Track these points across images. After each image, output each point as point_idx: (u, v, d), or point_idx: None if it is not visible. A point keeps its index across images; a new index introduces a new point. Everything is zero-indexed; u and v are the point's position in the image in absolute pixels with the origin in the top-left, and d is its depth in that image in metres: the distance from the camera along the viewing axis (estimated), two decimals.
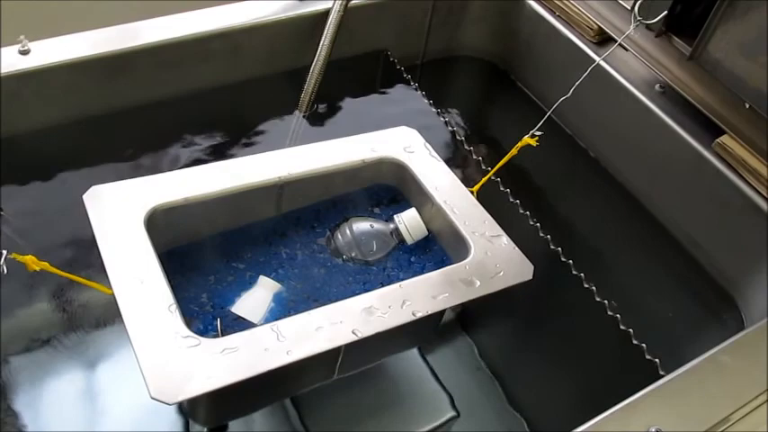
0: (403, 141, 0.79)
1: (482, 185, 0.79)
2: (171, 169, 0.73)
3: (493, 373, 0.94)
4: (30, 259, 0.58)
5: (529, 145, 0.77)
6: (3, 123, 0.90)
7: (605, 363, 0.89)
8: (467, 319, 1.00)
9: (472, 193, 0.76)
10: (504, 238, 0.72)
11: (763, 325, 0.74)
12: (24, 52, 0.89)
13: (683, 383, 0.67)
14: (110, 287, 0.59)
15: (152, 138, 1.02)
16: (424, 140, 0.80)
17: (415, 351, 0.88)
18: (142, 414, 0.82)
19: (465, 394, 0.90)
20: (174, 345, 0.56)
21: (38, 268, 0.58)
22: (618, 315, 0.84)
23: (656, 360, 0.80)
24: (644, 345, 0.82)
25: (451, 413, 0.83)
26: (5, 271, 0.55)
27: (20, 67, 0.88)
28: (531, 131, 0.76)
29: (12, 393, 0.79)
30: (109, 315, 0.86)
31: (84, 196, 0.65)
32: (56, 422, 0.79)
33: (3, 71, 0.87)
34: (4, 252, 0.55)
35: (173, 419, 0.82)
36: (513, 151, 0.78)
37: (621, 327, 0.83)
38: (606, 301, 0.85)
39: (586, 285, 0.87)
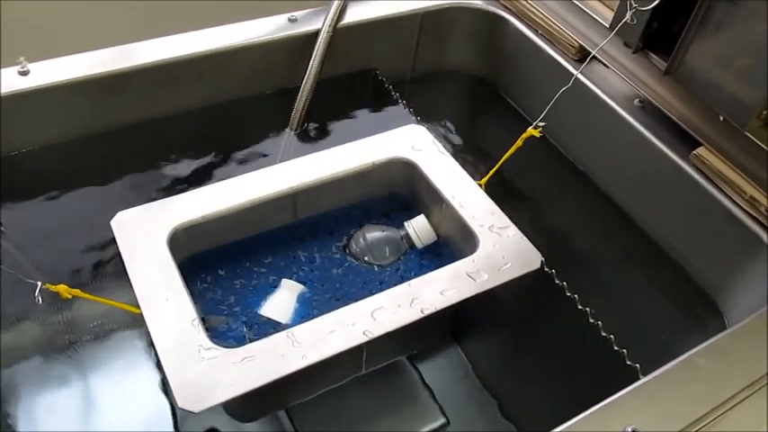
0: (411, 140, 0.82)
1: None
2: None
3: (481, 381, 0.96)
4: (63, 288, 0.61)
5: (517, 157, 0.80)
6: (3, 142, 0.93)
7: (589, 369, 0.91)
8: (455, 327, 1.01)
9: (480, 185, 0.78)
10: (512, 229, 0.74)
11: (738, 328, 0.76)
12: (24, 73, 0.92)
13: (660, 384, 0.69)
14: (137, 306, 0.62)
15: (148, 155, 1.04)
16: (432, 136, 0.82)
17: (404, 360, 0.89)
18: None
19: (454, 402, 0.91)
20: (197, 357, 0.60)
21: (70, 296, 0.62)
22: (599, 322, 0.86)
23: (637, 365, 0.82)
24: (624, 350, 0.83)
25: (442, 420, 0.84)
26: (41, 301, 0.58)
27: (19, 87, 0.91)
28: (534, 123, 0.78)
29: (9, 402, 0.81)
30: (105, 325, 0.88)
31: (112, 222, 0.69)
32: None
33: (3, 91, 0.89)
34: (39, 283, 0.58)
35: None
36: (518, 142, 0.80)
37: (603, 333, 0.85)
38: (588, 309, 0.87)
39: (569, 294, 0.89)
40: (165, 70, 1.00)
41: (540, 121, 0.80)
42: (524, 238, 0.73)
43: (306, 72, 1.06)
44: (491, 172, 0.82)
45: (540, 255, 0.71)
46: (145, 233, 0.69)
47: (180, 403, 0.56)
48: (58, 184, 0.98)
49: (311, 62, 1.05)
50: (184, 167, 1.04)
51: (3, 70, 0.91)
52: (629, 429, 0.63)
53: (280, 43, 1.08)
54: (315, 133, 1.10)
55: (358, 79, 1.19)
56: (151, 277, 0.65)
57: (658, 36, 0.92)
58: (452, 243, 0.79)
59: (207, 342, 0.61)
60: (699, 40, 0.86)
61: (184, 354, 0.60)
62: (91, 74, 0.95)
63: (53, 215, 0.96)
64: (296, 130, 1.08)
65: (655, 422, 0.65)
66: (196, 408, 0.56)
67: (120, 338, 0.88)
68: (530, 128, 0.80)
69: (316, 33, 1.07)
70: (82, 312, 0.88)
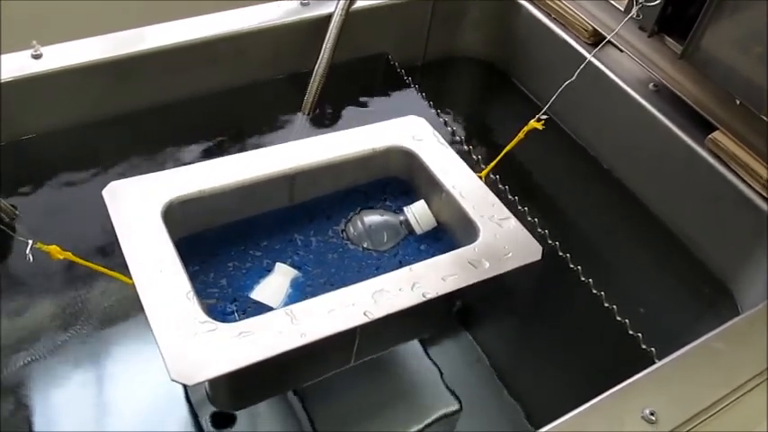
0: (411, 130, 0.81)
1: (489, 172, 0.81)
2: None
3: (493, 367, 0.96)
4: (54, 249, 0.60)
5: (528, 143, 0.79)
6: (16, 125, 0.93)
7: (603, 354, 0.91)
8: (466, 314, 1.01)
9: (480, 177, 0.78)
10: (513, 221, 0.73)
11: (754, 312, 0.76)
12: (37, 56, 0.92)
13: (677, 368, 0.69)
14: (129, 277, 0.61)
15: (160, 140, 1.04)
16: (432, 128, 0.82)
17: (417, 346, 0.89)
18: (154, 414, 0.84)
19: (465, 388, 0.91)
20: (192, 330, 0.58)
21: (62, 257, 0.60)
22: (614, 306, 0.86)
23: (652, 349, 0.82)
24: (640, 335, 0.83)
25: (455, 406, 0.84)
26: (32, 259, 0.57)
27: (33, 70, 0.91)
28: (536, 116, 0.78)
29: (19, 393, 0.81)
30: (120, 310, 0.88)
31: (104, 192, 0.67)
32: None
33: (16, 74, 0.90)
34: (30, 242, 0.57)
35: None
36: (521, 135, 0.79)
37: (618, 318, 0.85)
38: (602, 293, 0.87)
39: (583, 278, 0.89)
40: (177, 54, 1.00)
41: (542, 114, 0.79)
42: (524, 229, 0.72)
43: (318, 56, 1.05)
44: (491, 165, 0.81)
45: (540, 247, 0.70)
46: (138, 204, 0.67)
47: (173, 375, 0.54)
48: (71, 168, 0.98)
49: (324, 46, 1.05)
50: (196, 152, 1.04)
51: (16, 54, 0.91)
52: (647, 412, 0.63)
53: (291, 27, 1.08)
54: (327, 118, 1.10)
55: (370, 64, 1.19)
56: (144, 249, 0.63)
57: (674, 19, 0.92)
58: (452, 231, 0.77)
59: (202, 315, 0.59)
60: (715, 23, 0.85)
61: (178, 326, 0.58)
62: (104, 57, 0.95)
63: (66, 199, 0.96)
64: (308, 114, 1.08)
65: (672, 405, 0.65)
66: (189, 381, 0.54)
67: (133, 321, 0.88)
68: (532, 121, 0.79)
69: (327, 17, 1.07)
70: (96, 294, 0.88)
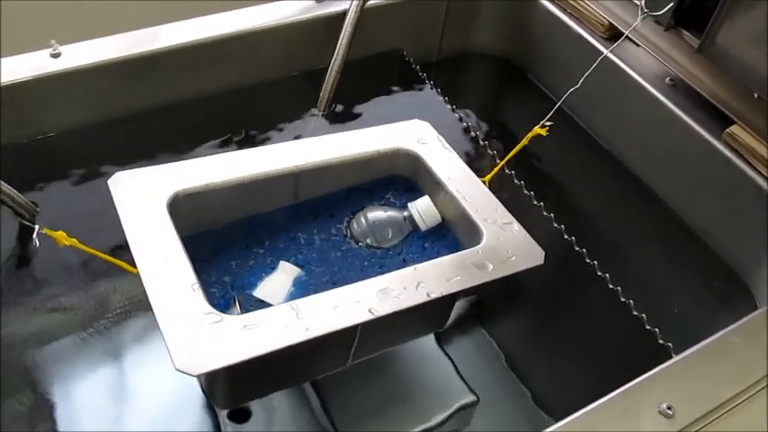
0: (416, 133, 0.81)
1: (495, 176, 0.81)
2: None
3: (508, 362, 0.96)
4: (60, 235, 0.60)
5: (544, 138, 0.79)
6: (34, 124, 0.94)
7: (620, 350, 0.91)
8: (483, 310, 1.01)
9: (484, 182, 0.78)
10: (516, 225, 0.73)
11: None
12: (55, 55, 0.93)
13: (694, 363, 0.69)
14: (134, 266, 0.60)
15: (174, 137, 1.05)
16: (436, 133, 0.82)
17: (433, 341, 0.89)
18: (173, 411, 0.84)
19: (481, 382, 0.91)
20: (197, 321, 0.57)
21: (68, 243, 0.61)
22: (631, 301, 0.86)
23: (669, 344, 0.82)
24: (657, 329, 0.83)
25: (471, 397, 0.84)
26: (38, 244, 0.58)
27: (51, 69, 0.92)
28: (541, 122, 0.78)
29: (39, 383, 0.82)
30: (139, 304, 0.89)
31: (109, 181, 0.67)
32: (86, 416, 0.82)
33: (35, 73, 0.91)
34: (36, 227, 0.58)
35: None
36: (524, 141, 0.80)
37: (635, 313, 0.85)
38: (619, 288, 0.87)
39: (600, 273, 0.89)
40: (192, 52, 1.01)
41: (547, 119, 0.79)
42: (527, 235, 0.72)
43: (333, 53, 1.06)
44: (495, 170, 0.82)
45: (542, 252, 0.70)
46: (144, 195, 0.66)
47: (177, 365, 0.54)
48: (89, 165, 0.99)
49: (339, 42, 1.05)
50: (211, 150, 1.04)
51: (35, 53, 0.92)
52: (664, 406, 0.64)
53: (306, 25, 1.08)
54: (342, 114, 1.11)
55: (385, 60, 1.19)
56: (149, 239, 0.62)
57: (691, 13, 0.91)
58: (455, 232, 0.78)
59: (207, 307, 0.59)
60: (732, 16, 0.85)
61: (183, 317, 0.57)
62: (119, 56, 0.96)
63: (84, 196, 0.97)
64: (324, 111, 1.08)
65: (689, 400, 0.65)
66: (193, 371, 0.54)
67: (150, 316, 0.89)
68: (536, 127, 0.79)
69: (342, 15, 1.07)
70: (115, 289, 0.89)
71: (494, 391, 0.94)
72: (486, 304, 1.01)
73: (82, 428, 0.79)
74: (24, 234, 0.85)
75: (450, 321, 0.95)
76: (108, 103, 0.99)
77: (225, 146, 1.05)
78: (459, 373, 0.86)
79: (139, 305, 0.89)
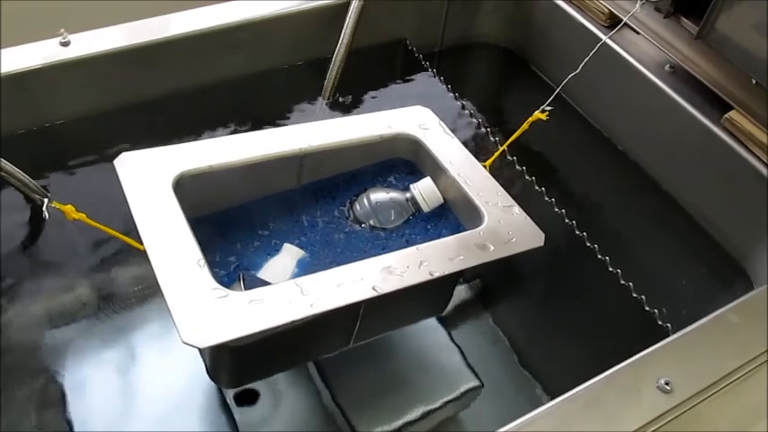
0: (418, 119, 0.82)
1: (496, 162, 0.82)
2: None
3: (511, 345, 0.97)
4: (69, 209, 0.61)
5: (544, 125, 0.80)
6: (45, 111, 0.95)
7: (620, 330, 0.92)
8: (486, 294, 1.03)
9: (485, 167, 0.79)
10: (516, 208, 0.74)
11: None
12: (65, 44, 0.94)
13: (692, 340, 0.70)
14: (141, 243, 0.61)
15: (183, 125, 1.06)
16: (438, 118, 0.83)
17: (438, 325, 0.90)
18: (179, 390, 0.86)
19: (485, 365, 0.92)
20: (203, 295, 0.58)
21: (76, 217, 0.62)
22: (630, 284, 0.87)
23: (668, 325, 0.83)
24: (656, 311, 0.85)
25: (476, 382, 0.85)
26: (48, 216, 0.59)
27: (61, 57, 0.93)
28: (541, 107, 0.79)
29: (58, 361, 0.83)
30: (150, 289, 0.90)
31: (115, 161, 0.67)
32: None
33: (45, 62, 0.92)
34: (46, 200, 0.59)
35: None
36: (525, 126, 0.81)
37: (634, 295, 0.87)
38: (619, 271, 0.88)
39: (600, 257, 0.90)
40: (199, 41, 1.02)
41: (547, 105, 0.80)
42: (527, 217, 0.73)
43: (338, 42, 1.07)
44: (495, 154, 0.83)
45: (542, 234, 0.72)
46: (150, 175, 0.67)
47: (184, 338, 0.54)
48: (98, 152, 1.00)
49: (343, 31, 1.06)
50: (218, 136, 1.05)
51: (45, 41, 0.94)
52: (662, 382, 0.65)
53: (311, 14, 1.09)
54: (346, 102, 1.12)
55: (388, 50, 1.20)
56: (155, 217, 0.63)
57: (689, 0, 0.92)
58: (457, 213, 0.79)
59: (213, 282, 0.59)
60: (730, 3, 0.86)
61: (189, 291, 0.58)
62: (129, 44, 0.97)
63: (94, 182, 0.98)
64: (328, 99, 1.10)
65: (687, 376, 0.66)
66: (200, 344, 0.55)
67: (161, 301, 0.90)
68: (536, 112, 0.80)
69: (346, 4, 1.08)
70: (125, 274, 0.90)
71: (496, 374, 0.95)
72: (490, 288, 1.03)
73: (87, 409, 0.80)
74: (36, 218, 0.87)
75: (454, 307, 0.97)
76: (117, 91, 1.00)
77: (231, 132, 1.07)
78: (465, 358, 0.87)
79: (146, 291, 0.90)
